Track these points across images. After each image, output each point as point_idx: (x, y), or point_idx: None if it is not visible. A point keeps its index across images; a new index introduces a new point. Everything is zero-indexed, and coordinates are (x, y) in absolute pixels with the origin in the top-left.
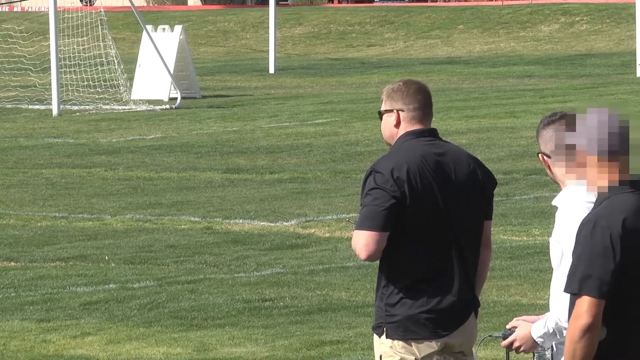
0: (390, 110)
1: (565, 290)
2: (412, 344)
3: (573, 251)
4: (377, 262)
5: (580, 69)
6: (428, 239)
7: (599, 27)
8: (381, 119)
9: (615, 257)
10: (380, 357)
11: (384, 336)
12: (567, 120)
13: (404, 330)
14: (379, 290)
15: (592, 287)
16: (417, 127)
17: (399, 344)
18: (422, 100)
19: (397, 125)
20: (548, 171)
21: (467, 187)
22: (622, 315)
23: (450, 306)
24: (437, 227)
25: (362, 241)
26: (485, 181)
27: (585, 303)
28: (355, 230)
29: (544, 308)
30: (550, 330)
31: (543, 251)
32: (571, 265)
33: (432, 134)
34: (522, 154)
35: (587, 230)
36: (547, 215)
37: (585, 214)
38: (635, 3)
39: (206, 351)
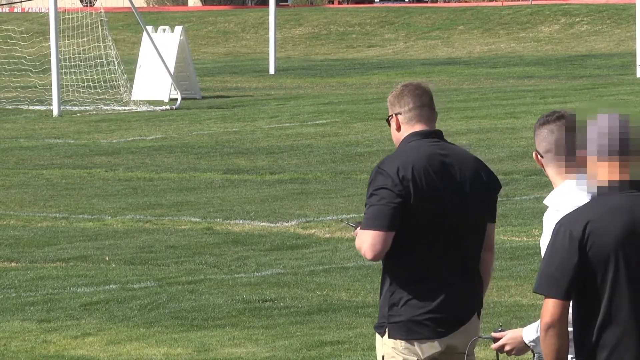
0: (391, 116)
1: (533, 290)
2: (415, 344)
3: None
4: (380, 262)
5: (581, 69)
6: (431, 239)
7: (599, 28)
8: (390, 126)
9: (573, 259)
10: (383, 357)
11: (386, 336)
12: (568, 124)
13: (407, 331)
14: (383, 290)
15: (552, 287)
16: (419, 127)
17: (401, 344)
18: (419, 101)
19: (398, 129)
20: (543, 169)
21: (472, 188)
22: (592, 316)
23: (452, 306)
24: (440, 227)
25: (369, 241)
26: (489, 184)
27: (548, 303)
28: (361, 230)
29: None
30: None
31: None
32: (540, 264)
33: (438, 135)
34: (522, 154)
35: (554, 231)
36: None
37: None
38: (635, 4)
39: (207, 352)
